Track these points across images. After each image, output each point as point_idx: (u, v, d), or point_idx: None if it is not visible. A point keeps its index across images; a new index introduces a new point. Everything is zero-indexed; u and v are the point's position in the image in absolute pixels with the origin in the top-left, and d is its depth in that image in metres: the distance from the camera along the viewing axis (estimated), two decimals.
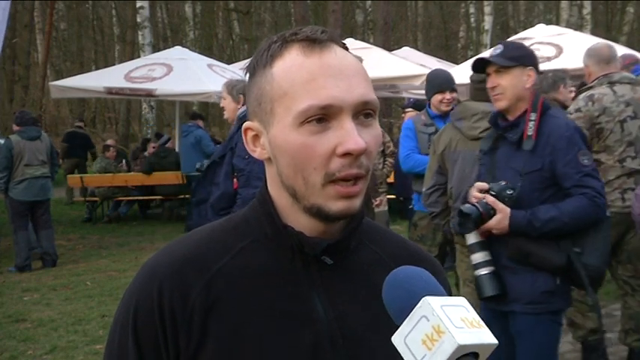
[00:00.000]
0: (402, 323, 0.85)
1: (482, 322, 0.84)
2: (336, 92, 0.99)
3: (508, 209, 2.81)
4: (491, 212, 2.82)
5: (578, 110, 4.22)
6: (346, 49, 1.05)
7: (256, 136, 1.07)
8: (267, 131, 1.04)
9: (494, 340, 0.83)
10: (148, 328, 1.02)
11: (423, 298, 0.84)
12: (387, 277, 0.91)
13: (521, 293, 2.86)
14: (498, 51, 2.94)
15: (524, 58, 2.93)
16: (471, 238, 2.95)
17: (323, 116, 0.99)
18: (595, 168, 2.87)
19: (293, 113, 0.99)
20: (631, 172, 4.13)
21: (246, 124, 1.08)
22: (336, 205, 1.00)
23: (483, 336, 0.82)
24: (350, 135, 0.98)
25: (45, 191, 8.68)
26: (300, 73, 1.00)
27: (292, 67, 1.01)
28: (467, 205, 2.85)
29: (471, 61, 3.88)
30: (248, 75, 1.08)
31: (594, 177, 2.83)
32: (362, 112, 1.01)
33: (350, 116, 0.99)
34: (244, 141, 1.09)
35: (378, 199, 6.84)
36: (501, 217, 2.82)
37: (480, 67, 3.00)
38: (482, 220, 2.82)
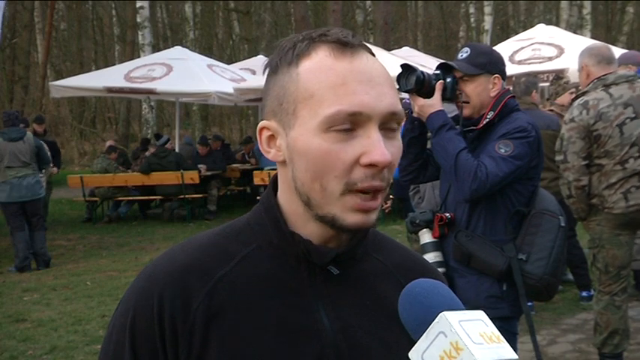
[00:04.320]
0: (419, 338, 0.83)
1: (501, 337, 0.82)
2: (367, 99, 0.94)
3: (441, 106, 2.78)
4: (432, 82, 2.76)
5: (572, 120, 4.10)
6: (374, 55, 1.01)
7: (272, 137, 1.02)
8: (286, 133, 0.99)
9: (515, 356, 0.80)
10: (146, 337, 0.98)
11: (441, 314, 0.82)
12: (403, 290, 0.88)
13: (467, 296, 2.78)
14: (465, 55, 2.83)
15: (491, 65, 2.83)
16: (425, 238, 2.92)
17: (350, 123, 0.94)
18: (505, 157, 2.72)
19: (319, 117, 0.94)
20: (633, 174, 4.02)
21: (262, 124, 1.02)
22: (352, 218, 0.97)
23: (503, 351, 0.80)
24: (376, 146, 0.94)
25: (32, 191, 8.50)
26: (329, 76, 0.95)
27: (321, 68, 0.96)
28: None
29: None
30: (268, 71, 1.02)
31: (495, 161, 2.71)
32: (388, 124, 0.97)
33: (377, 126, 0.95)
34: (258, 140, 1.04)
35: (387, 202, 6.87)
36: (433, 103, 2.77)
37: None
38: (423, 83, 2.75)
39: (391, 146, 0.97)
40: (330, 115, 0.94)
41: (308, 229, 1.01)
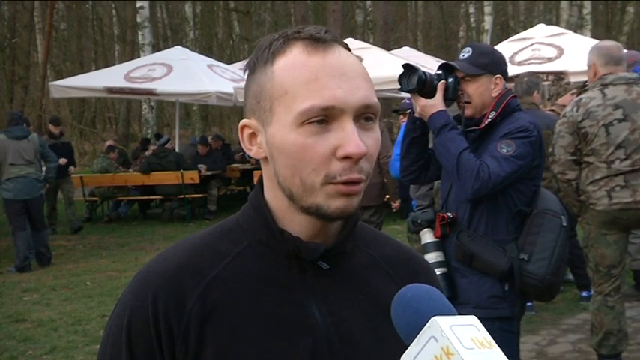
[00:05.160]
0: (411, 343, 0.83)
1: (493, 342, 0.82)
2: (339, 93, 0.96)
3: (443, 106, 2.78)
4: (434, 83, 2.76)
5: (563, 115, 4.16)
6: (349, 50, 1.03)
7: (253, 135, 1.04)
8: (265, 130, 1.01)
9: None
10: (142, 338, 0.99)
11: (432, 318, 0.82)
12: (395, 295, 0.89)
13: (469, 296, 2.81)
14: (466, 55, 2.84)
15: (492, 65, 2.83)
16: (426, 238, 2.92)
17: (324, 117, 0.96)
18: (507, 157, 2.73)
19: (293, 113, 0.97)
20: (618, 173, 4.04)
21: (243, 122, 1.05)
22: (335, 204, 0.98)
23: (494, 356, 0.80)
24: (351, 138, 0.96)
25: (36, 190, 8.64)
26: (302, 72, 0.97)
27: (294, 65, 0.98)
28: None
29: None
30: (247, 72, 1.05)
31: (497, 161, 2.71)
32: (363, 115, 0.99)
33: (351, 119, 0.97)
34: (240, 139, 1.06)
35: (396, 201, 6.91)
36: (435, 103, 2.77)
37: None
38: (424, 84, 2.75)
39: (367, 137, 0.99)
40: (303, 110, 0.96)
41: (295, 224, 1.03)
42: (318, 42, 0.99)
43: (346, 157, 0.96)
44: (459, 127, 2.82)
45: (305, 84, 0.97)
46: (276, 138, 0.99)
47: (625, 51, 5.35)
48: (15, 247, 8.61)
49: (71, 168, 11.45)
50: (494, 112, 2.81)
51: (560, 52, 9.73)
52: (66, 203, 11.26)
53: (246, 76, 1.06)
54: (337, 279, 1.05)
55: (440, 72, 2.83)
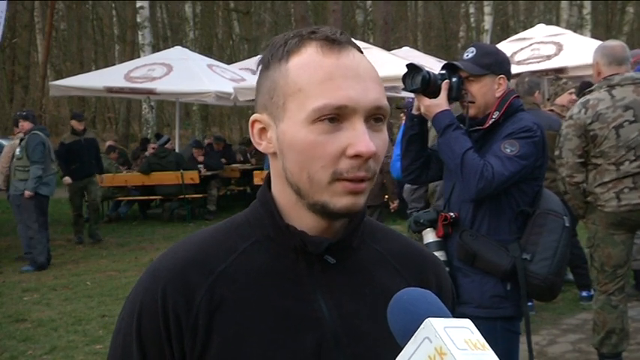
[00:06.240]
0: (405, 345, 0.84)
1: (486, 345, 0.83)
2: (352, 94, 0.99)
3: (447, 105, 2.78)
4: (438, 82, 2.76)
5: (570, 117, 4.13)
6: (361, 52, 1.05)
7: (263, 130, 1.06)
8: (276, 125, 1.04)
9: None
10: (152, 332, 1.02)
11: (426, 320, 0.83)
12: (392, 299, 0.90)
13: (471, 296, 2.81)
14: (470, 55, 2.84)
15: (496, 65, 2.83)
16: (428, 237, 2.92)
17: (336, 116, 0.99)
18: (511, 157, 2.73)
19: (307, 110, 0.99)
20: (627, 175, 4.03)
21: (254, 117, 1.07)
22: (341, 202, 1.00)
23: (486, 358, 0.81)
24: (361, 137, 0.98)
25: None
26: (317, 72, 1.00)
27: (309, 64, 1.01)
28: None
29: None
30: (261, 67, 1.08)
31: (501, 161, 2.71)
32: (373, 116, 1.01)
33: (362, 119, 0.99)
34: (250, 133, 1.08)
35: (394, 202, 6.94)
36: (439, 103, 2.78)
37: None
38: (428, 83, 2.75)
39: (376, 138, 1.01)
40: (316, 108, 0.98)
41: (302, 220, 1.05)
42: (333, 43, 1.02)
43: (356, 156, 0.98)
44: (462, 126, 2.83)
45: (320, 83, 0.99)
46: (287, 134, 1.01)
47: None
48: (39, 245, 8.44)
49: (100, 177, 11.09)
50: (497, 112, 2.81)
51: (560, 48, 9.71)
52: (91, 209, 10.48)
53: (259, 72, 1.08)
54: (344, 274, 1.07)
55: (444, 72, 2.83)
